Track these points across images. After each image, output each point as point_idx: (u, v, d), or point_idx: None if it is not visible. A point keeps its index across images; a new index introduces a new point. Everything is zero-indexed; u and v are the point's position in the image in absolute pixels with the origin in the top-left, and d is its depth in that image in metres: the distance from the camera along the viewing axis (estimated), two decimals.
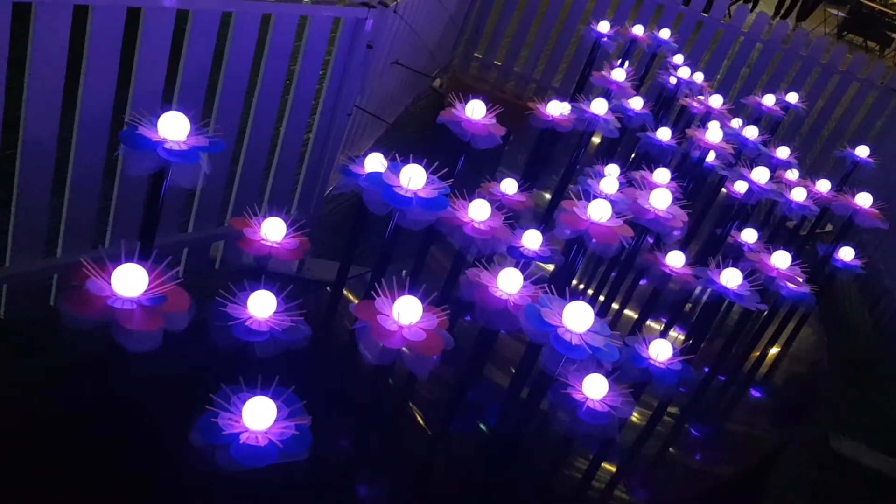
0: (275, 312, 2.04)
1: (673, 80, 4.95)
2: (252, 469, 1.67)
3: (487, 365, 2.96)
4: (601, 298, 3.57)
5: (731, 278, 2.95)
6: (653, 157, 3.97)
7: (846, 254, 3.97)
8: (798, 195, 3.90)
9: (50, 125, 2.46)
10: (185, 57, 2.72)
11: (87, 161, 2.61)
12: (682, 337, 3.74)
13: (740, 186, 3.90)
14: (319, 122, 3.37)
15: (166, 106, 2.19)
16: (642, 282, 3.54)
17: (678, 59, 5.23)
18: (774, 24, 6.84)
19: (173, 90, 2.76)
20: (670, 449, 3.19)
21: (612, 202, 2.81)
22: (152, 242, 2.25)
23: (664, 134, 4.00)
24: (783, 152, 4.44)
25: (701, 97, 4.76)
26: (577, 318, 2.11)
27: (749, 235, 3.79)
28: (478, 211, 2.61)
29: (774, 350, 4.00)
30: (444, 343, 2.03)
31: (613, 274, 3.54)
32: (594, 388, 2.23)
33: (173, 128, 2.09)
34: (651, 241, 3.35)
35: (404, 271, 3.24)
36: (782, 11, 14.73)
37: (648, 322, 3.44)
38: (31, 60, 2.32)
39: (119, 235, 2.81)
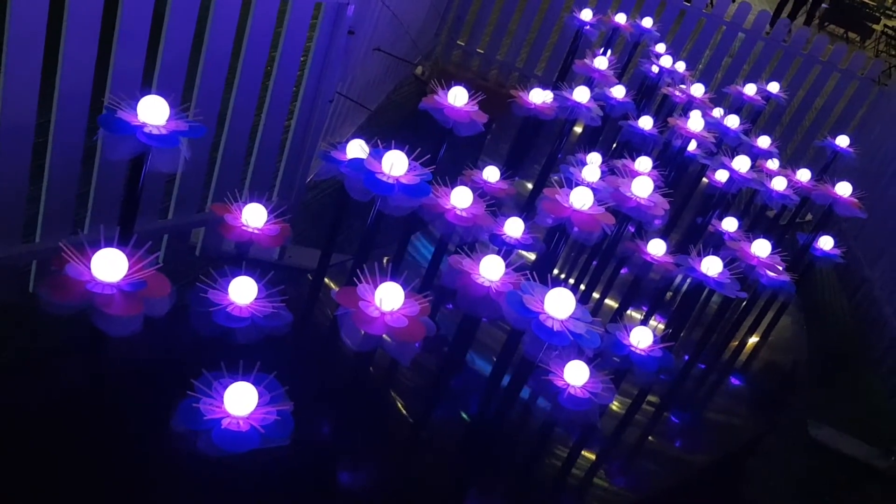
0: (256, 299, 2.03)
1: (655, 68, 4.96)
2: (233, 455, 1.66)
3: (469, 352, 2.96)
4: (582, 287, 3.57)
5: (711, 267, 2.97)
6: (634, 145, 3.98)
7: (826, 243, 4.00)
8: (778, 184, 3.92)
9: (27, 110, 2.43)
10: (165, 40, 2.70)
11: (66, 146, 2.59)
12: (662, 325, 3.76)
13: (721, 175, 3.92)
14: (301, 108, 3.35)
15: (146, 90, 2.17)
16: (623, 270, 3.55)
17: (660, 48, 5.24)
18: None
19: (153, 74, 2.74)
20: (650, 437, 3.20)
21: (594, 190, 2.82)
22: (132, 227, 2.24)
23: (646, 123, 4.01)
24: (764, 142, 4.46)
25: (683, 86, 4.77)
26: (559, 304, 2.12)
27: (730, 224, 3.81)
28: (460, 198, 2.60)
29: (754, 338, 4.03)
30: (426, 329, 2.03)
31: (595, 262, 3.55)
32: (575, 374, 2.23)
33: (153, 112, 2.07)
34: (633, 229, 3.35)
35: (385, 258, 3.24)
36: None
37: (629, 310, 3.45)
38: (7, 44, 2.29)
39: (98, 221, 2.79)
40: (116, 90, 2.53)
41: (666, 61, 5.00)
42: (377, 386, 2.75)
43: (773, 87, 5.30)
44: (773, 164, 4.34)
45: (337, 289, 2.06)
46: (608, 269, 3.53)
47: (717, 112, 4.57)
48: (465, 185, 2.68)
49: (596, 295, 3.62)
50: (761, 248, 3.28)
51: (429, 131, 2.93)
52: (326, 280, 2.93)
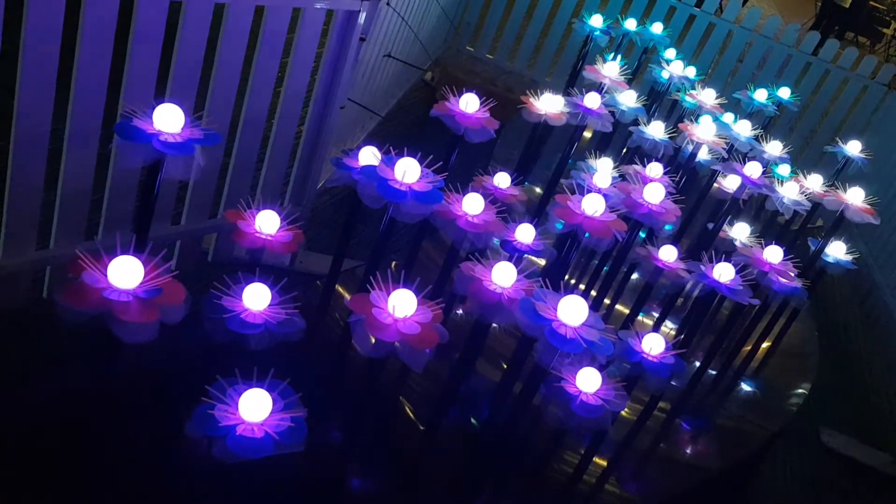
0: (269, 305, 2.04)
1: (665, 74, 4.96)
2: (247, 461, 1.67)
3: (479, 359, 2.96)
4: (594, 293, 3.57)
5: (723, 273, 2.96)
6: (645, 151, 3.98)
7: (837, 249, 3.99)
8: (790, 190, 3.91)
9: (43, 117, 2.45)
10: (178, 48, 2.71)
11: (80, 153, 2.60)
12: (674, 331, 3.75)
13: (732, 181, 3.91)
14: (312, 114, 3.36)
15: (160, 98, 2.18)
16: (634, 276, 3.55)
17: (670, 53, 5.24)
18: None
19: (166, 82, 2.75)
20: (661, 443, 3.20)
21: (606, 196, 2.82)
22: (147, 234, 2.25)
23: (656, 128, 4.00)
24: (775, 147, 4.45)
25: (693, 91, 4.77)
26: (572, 311, 2.12)
27: (741, 230, 3.80)
28: (472, 205, 2.61)
29: (766, 344, 4.02)
30: (438, 336, 2.03)
31: (606, 268, 3.55)
32: (587, 381, 2.23)
33: (168, 120, 2.08)
34: (644, 235, 3.35)
35: (394, 263, 3.25)
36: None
37: (640, 316, 3.45)
38: (23, 52, 2.31)
39: (112, 227, 2.80)
40: (130, 98, 2.54)
41: (676, 67, 5.00)
42: (388, 393, 2.75)
43: (784, 93, 5.29)
44: (784, 169, 4.33)
45: (349, 295, 2.07)
46: (619, 275, 3.53)
47: (728, 117, 4.57)
48: (477, 191, 2.68)
49: (607, 301, 3.62)
50: (773, 254, 3.27)
51: (439, 137, 2.93)
52: (338, 287, 2.94)
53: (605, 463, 2.90)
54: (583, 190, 2.84)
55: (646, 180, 3.23)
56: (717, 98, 4.70)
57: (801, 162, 6.62)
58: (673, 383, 2.71)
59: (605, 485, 2.87)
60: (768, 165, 4.25)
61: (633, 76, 5.26)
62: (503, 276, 2.29)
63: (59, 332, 2.60)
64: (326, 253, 2.99)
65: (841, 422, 4.20)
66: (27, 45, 2.30)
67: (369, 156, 2.50)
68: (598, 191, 2.93)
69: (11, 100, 2.37)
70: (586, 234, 2.69)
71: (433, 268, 3.13)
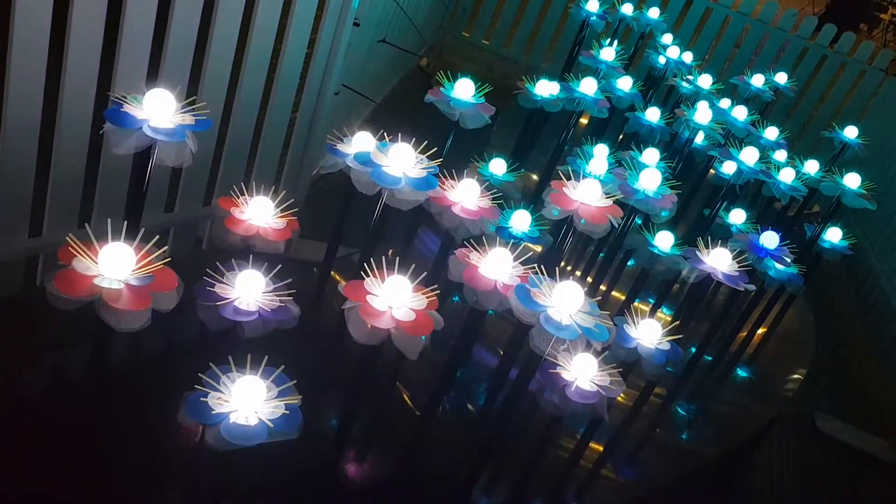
0: (263, 292, 2.02)
1: (662, 59, 4.94)
2: (240, 448, 1.66)
3: (475, 345, 2.95)
4: (589, 279, 3.56)
5: (719, 259, 2.95)
6: (641, 136, 3.96)
7: (834, 234, 3.98)
8: (786, 176, 3.90)
9: (33, 103, 2.42)
10: (170, 33, 2.68)
11: (72, 140, 2.58)
12: (669, 317, 3.75)
13: (729, 167, 3.90)
14: (306, 100, 3.34)
15: (151, 83, 2.15)
16: (630, 262, 3.54)
17: (667, 38, 5.22)
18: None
19: (157, 67, 2.72)
20: (657, 428, 3.20)
21: (602, 182, 2.81)
22: (139, 221, 2.23)
23: (653, 114, 3.99)
24: (772, 133, 4.44)
25: (690, 77, 4.75)
26: (568, 298, 2.11)
27: (737, 216, 3.79)
28: (467, 191, 2.59)
29: (761, 330, 4.02)
30: (434, 323, 2.02)
31: (602, 254, 3.54)
32: (583, 367, 2.22)
33: (159, 106, 2.06)
34: (640, 221, 3.34)
35: (391, 250, 3.23)
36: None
37: (636, 302, 3.44)
38: (12, 35, 2.28)
39: (105, 215, 2.78)
40: (122, 84, 2.52)
41: (673, 52, 4.98)
42: (383, 379, 2.75)
43: (781, 78, 5.28)
44: (780, 155, 4.32)
45: (344, 282, 2.06)
46: (615, 262, 3.53)
47: (725, 103, 4.55)
48: (472, 177, 2.67)
49: (603, 287, 3.61)
50: (769, 239, 3.27)
51: (434, 124, 2.92)
52: (333, 273, 2.92)
53: (601, 449, 2.90)
54: (579, 176, 2.83)
55: (641, 166, 3.21)
56: (713, 83, 4.69)
57: (799, 147, 6.61)
58: (669, 369, 2.70)
59: (602, 470, 2.87)
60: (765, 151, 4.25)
61: (630, 61, 5.24)
62: (498, 262, 2.28)
63: (52, 320, 2.59)
64: (321, 240, 2.97)
65: (836, 407, 4.20)
66: (17, 29, 2.27)
67: (363, 142, 2.49)
68: (595, 177, 2.92)
69: (1, 88, 2.35)
70: (582, 221, 2.67)
71: (429, 255, 3.12)
